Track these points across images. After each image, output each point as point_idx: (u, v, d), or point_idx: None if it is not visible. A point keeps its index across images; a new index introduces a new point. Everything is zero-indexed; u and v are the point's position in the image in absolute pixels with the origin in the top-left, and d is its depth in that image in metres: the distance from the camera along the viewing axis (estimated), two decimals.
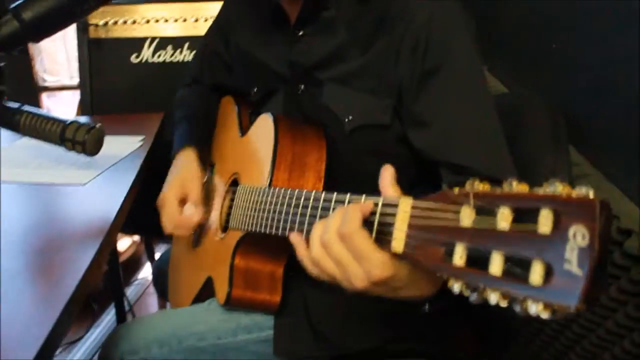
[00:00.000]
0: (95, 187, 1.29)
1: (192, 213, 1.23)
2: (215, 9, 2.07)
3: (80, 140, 1.25)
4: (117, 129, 1.64)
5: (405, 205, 0.67)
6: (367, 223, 0.72)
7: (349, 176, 1.08)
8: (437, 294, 0.79)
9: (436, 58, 0.99)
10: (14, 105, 1.22)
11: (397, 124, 1.05)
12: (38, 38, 1.06)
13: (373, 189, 0.75)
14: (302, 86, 1.15)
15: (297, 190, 0.90)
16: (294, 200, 0.90)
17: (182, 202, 1.26)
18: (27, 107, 1.22)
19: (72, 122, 1.27)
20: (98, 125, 1.27)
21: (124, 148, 1.52)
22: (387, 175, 0.73)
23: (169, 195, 1.25)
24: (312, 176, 1.04)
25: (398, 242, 0.67)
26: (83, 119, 1.24)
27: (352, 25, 1.07)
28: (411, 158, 1.06)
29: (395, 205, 0.68)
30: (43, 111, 1.28)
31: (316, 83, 1.11)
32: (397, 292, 0.74)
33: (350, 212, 0.71)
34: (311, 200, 0.85)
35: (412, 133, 1.03)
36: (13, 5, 1.03)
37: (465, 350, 1.17)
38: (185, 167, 1.29)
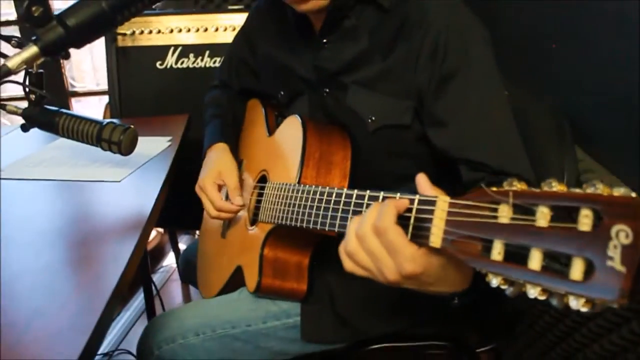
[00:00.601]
0: (130, 184, 1.27)
1: (234, 197, 1.22)
2: (233, 19, 2.08)
3: (116, 140, 1.24)
4: (145, 130, 1.61)
5: (443, 203, 0.65)
6: (402, 219, 0.70)
7: (371, 174, 1.06)
8: (466, 290, 0.77)
9: (454, 62, 0.97)
10: (52, 108, 1.20)
11: (417, 124, 1.04)
12: (80, 44, 1.04)
13: (393, 186, 0.74)
14: (327, 90, 1.13)
15: (327, 188, 0.89)
16: (325, 197, 0.88)
17: (219, 188, 1.24)
18: (65, 110, 1.20)
19: (108, 124, 1.25)
20: (132, 126, 1.25)
21: (154, 148, 1.51)
22: (424, 179, 0.71)
23: (208, 181, 1.23)
24: (339, 174, 1.02)
25: (436, 238, 0.65)
26: (116, 121, 1.22)
27: (373, 32, 1.06)
28: (430, 157, 1.05)
29: (433, 203, 0.66)
30: (80, 114, 1.26)
31: (341, 87, 1.10)
32: (428, 287, 0.73)
33: (385, 207, 0.69)
34: (343, 197, 0.83)
35: (432, 132, 1.02)
36: (58, 13, 1.02)
37: (480, 337, 1.16)
38: (220, 158, 1.28)
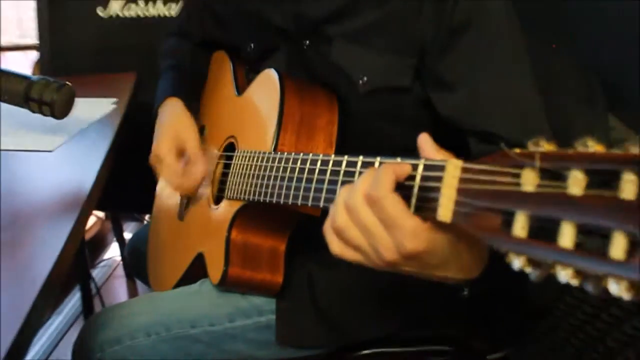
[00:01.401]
0: (65, 155, 1.24)
1: (198, 163, 1.21)
2: None
3: (48, 100, 1.22)
4: (84, 90, 1.57)
5: (454, 168, 0.64)
6: (403, 188, 0.69)
7: (361, 143, 1.05)
8: (478, 276, 0.77)
9: (467, 11, 0.96)
10: None
11: (419, 87, 1.04)
12: None
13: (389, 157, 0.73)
14: (307, 42, 1.12)
15: (310, 154, 0.88)
16: (307, 165, 0.88)
17: (180, 154, 1.23)
18: None
19: (38, 80, 1.23)
20: (68, 84, 1.23)
21: (95, 111, 1.48)
22: (428, 142, 0.71)
23: (163, 147, 1.22)
24: (323, 140, 1.02)
25: (445, 210, 0.64)
26: (49, 78, 1.20)
27: None
28: (434, 125, 1.04)
29: (441, 168, 0.65)
30: (3, 68, 1.24)
31: (325, 39, 1.09)
32: (433, 270, 0.72)
33: (382, 173, 0.68)
34: (330, 165, 0.83)
35: (436, 96, 1.01)
36: None
37: (486, 338, 1.16)
38: (175, 116, 1.27)
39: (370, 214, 0.69)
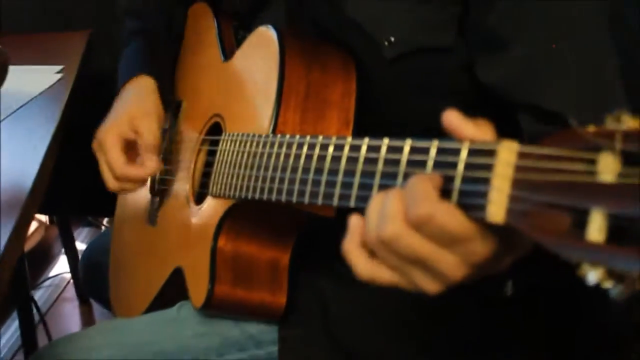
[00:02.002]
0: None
1: (146, 159, 1.23)
2: None
3: None
4: (22, 55, 1.61)
5: (508, 153, 0.65)
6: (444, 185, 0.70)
7: (387, 123, 1.04)
8: (522, 265, 0.76)
9: None
10: None
11: (462, 47, 1.04)
12: None
13: (426, 138, 0.73)
14: None
15: (320, 137, 0.88)
16: (316, 151, 0.88)
17: (129, 147, 1.26)
18: None
19: None
20: None
21: (36, 82, 1.51)
22: (454, 116, 0.71)
23: (109, 132, 1.24)
24: (337, 118, 1.03)
25: (497, 207, 0.64)
26: None
27: None
28: (477, 98, 1.05)
29: (491, 153, 0.66)
30: None
31: None
32: (501, 263, 0.73)
33: (416, 184, 0.69)
34: (346, 150, 0.83)
35: (483, 59, 1.01)
36: None
37: None
38: (137, 98, 1.29)
39: (422, 240, 0.69)
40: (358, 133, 1.03)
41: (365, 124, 1.04)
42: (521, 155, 0.64)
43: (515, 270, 0.77)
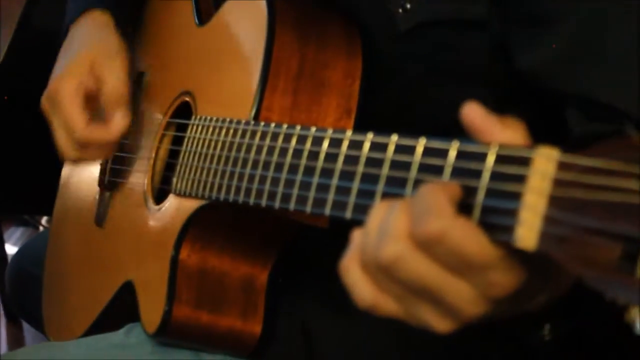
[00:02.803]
0: None
1: (114, 113, 1.22)
2: None
3: None
4: None
5: (546, 162, 0.65)
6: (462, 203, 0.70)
7: (398, 113, 1.08)
8: (563, 304, 0.78)
9: None
10: None
11: (495, 22, 1.04)
12: None
13: (444, 136, 0.74)
14: None
15: (313, 129, 0.89)
16: (307, 145, 0.88)
17: (90, 100, 1.25)
18: None
19: None
20: None
21: None
22: (476, 113, 0.72)
23: (65, 83, 1.24)
24: (336, 105, 1.03)
25: (528, 230, 0.65)
26: None
27: None
28: (512, 88, 1.06)
29: (525, 162, 0.66)
30: None
31: None
32: (531, 300, 0.73)
33: (427, 196, 0.69)
34: (344, 146, 0.83)
35: (521, 40, 1.02)
36: None
37: None
38: (94, 38, 1.30)
39: (430, 265, 0.69)
40: (361, 125, 1.03)
41: (371, 115, 1.05)
42: (562, 166, 0.64)
43: (553, 311, 0.78)
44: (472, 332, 0.81)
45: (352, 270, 0.74)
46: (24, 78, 1.47)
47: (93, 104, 1.25)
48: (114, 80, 1.24)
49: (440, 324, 0.71)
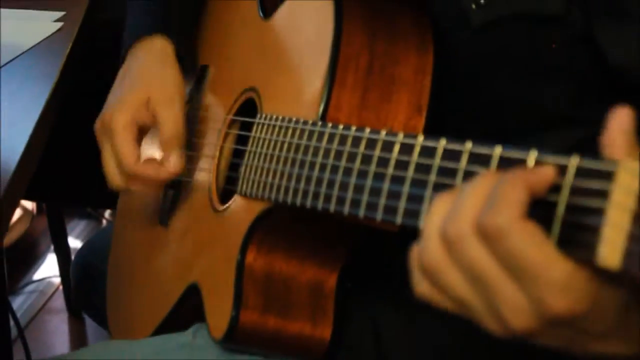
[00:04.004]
0: None
1: (170, 154, 1.22)
2: None
3: None
4: None
5: (629, 177, 0.64)
6: (540, 207, 0.69)
7: (476, 111, 1.07)
8: None
9: None
10: None
11: (578, 15, 1.03)
12: None
13: (525, 139, 0.71)
14: None
15: (383, 132, 0.88)
16: (377, 151, 0.88)
17: (142, 130, 1.26)
18: None
19: None
20: None
21: (27, 33, 1.52)
22: (621, 123, 0.68)
23: (120, 115, 1.24)
24: (407, 102, 1.03)
25: (612, 249, 0.64)
26: None
27: None
28: (598, 84, 1.05)
29: (607, 175, 0.65)
30: None
31: None
32: (590, 342, 0.72)
33: (505, 187, 0.68)
34: (416, 153, 0.83)
35: (609, 34, 1.01)
36: None
37: None
38: (153, 71, 1.29)
39: (486, 255, 0.69)
40: (433, 122, 1.03)
41: (443, 112, 1.04)
42: None
43: None
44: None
45: (414, 268, 0.75)
46: (93, 62, 1.52)
47: (146, 140, 1.26)
48: (171, 123, 1.24)
49: (489, 323, 0.72)
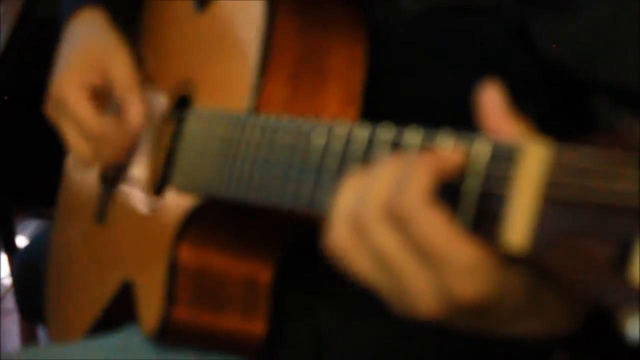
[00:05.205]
0: None
1: (128, 104, 1.20)
2: None
3: None
4: None
5: (537, 156, 0.64)
6: (450, 192, 0.69)
7: (407, 103, 1.07)
8: (573, 332, 0.76)
9: None
10: None
11: (513, 7, 1.03)
12: None
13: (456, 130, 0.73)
14: None
15: (313, 121, 0.89)
16: (308, 140, 0.88)
17: (99, 97, 1.24)
18: None
19: None
20: None
21: None
22: (493, 97, 0.71)
23: (69, 84, 1.23)
24: (338, 92, 1.03)
25: (518, 231, 0.64)
26: None
27: None
28: (531, 77, 1.06)
29: (514, 159, 0.66)
30: None
31: None
32: (500, 325, 0.73)
33: (414, 167, 0.69)
34: (345, 141, 0.83)
35: (543, 26, 1.01)
36: None
37: None
38: (94, 35, 1.29)
39: (393, 239, 0.69)
40: (365, 115, 1.03)
41: (375, 104, 1.04)
42: (557, 161, 0.64)
43: (563, 341, 0.77)
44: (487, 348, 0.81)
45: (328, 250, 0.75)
46: (30, 58, 1.48)
47: (103, 101, 1.24)
48: (120, 67, 1.23)
49: (398, 305, 0.72)
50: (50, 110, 1.25)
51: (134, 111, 1.21)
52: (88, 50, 1.26)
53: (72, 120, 1.22)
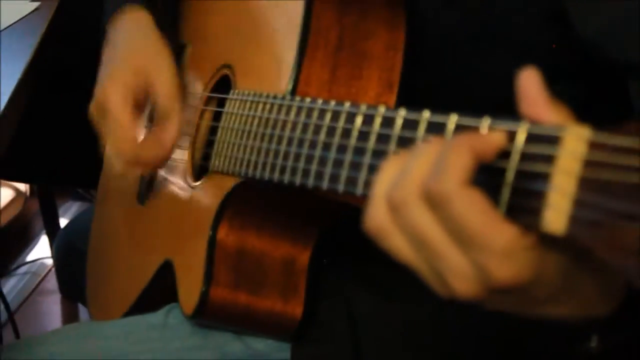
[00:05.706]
0: None
1: (171, 122, 1.21)
2: None
3: None
4: None
5: (576, 141, 0.64)
6: (489, 174, 0.70)
7: (444, 87, 1.07)
8: (612, 318, 0.77)
9: None
10: None
11: None
12: None
13: (494, 115, 0.73)
14: None
15: (351, 104, 0.89)
16: (344, 123, 0.88)
17: (140, 106, 1.24)
18: None
19: None
20: None
21: (6, 12, 1.52)
22: (533, 84, 0.70)
23: (113, 93, 1.22)
24: (377, 78, 1.03)
25: (556, 215, 0.64)
26: None
27: None
28: (567, 60, 1.05)
29: (554, 140, 0.65)
30: None
31: None
32: (536, 307, 0.73)
33: (451, 151, 0.69)
34: (378, 124, 0.83)
35: (581, 6, 1.00)
36: None
37: None
38: (139, 40, 1.29)
39: (431, 220, 0.70)
40: (404, 99, 1.03)
41: (414, 88, 1.04)
42: (594, 145, 0.63)
43: (599, 323, 0.77)
44: (519, 333, 0.81)
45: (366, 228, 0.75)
46: (75, 42, 1.49)
47: (141, 112, 1.25)
48: (164, 83, 1.23)
49: (435, 286, 0.72)
50: (94, 114, 1.25)
51: (170, 128, 1.21)
52: (133, 59, 1.26)
53: (116, 125, 1.22)
